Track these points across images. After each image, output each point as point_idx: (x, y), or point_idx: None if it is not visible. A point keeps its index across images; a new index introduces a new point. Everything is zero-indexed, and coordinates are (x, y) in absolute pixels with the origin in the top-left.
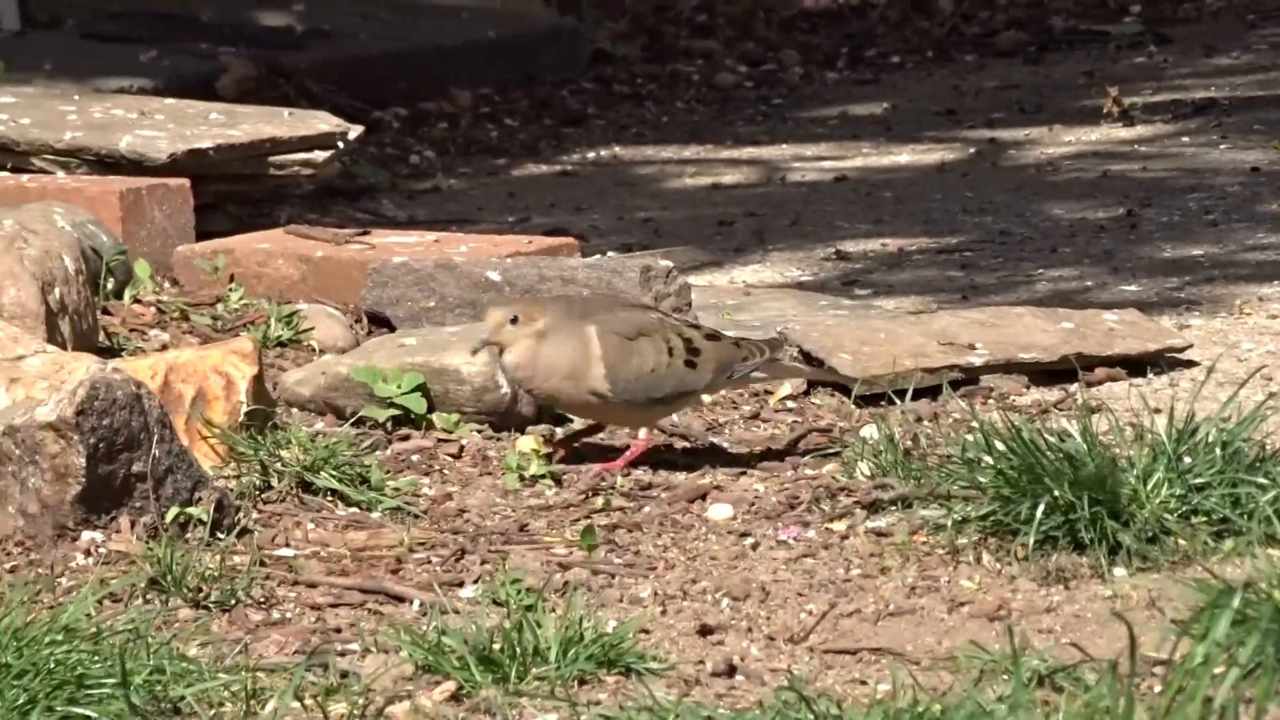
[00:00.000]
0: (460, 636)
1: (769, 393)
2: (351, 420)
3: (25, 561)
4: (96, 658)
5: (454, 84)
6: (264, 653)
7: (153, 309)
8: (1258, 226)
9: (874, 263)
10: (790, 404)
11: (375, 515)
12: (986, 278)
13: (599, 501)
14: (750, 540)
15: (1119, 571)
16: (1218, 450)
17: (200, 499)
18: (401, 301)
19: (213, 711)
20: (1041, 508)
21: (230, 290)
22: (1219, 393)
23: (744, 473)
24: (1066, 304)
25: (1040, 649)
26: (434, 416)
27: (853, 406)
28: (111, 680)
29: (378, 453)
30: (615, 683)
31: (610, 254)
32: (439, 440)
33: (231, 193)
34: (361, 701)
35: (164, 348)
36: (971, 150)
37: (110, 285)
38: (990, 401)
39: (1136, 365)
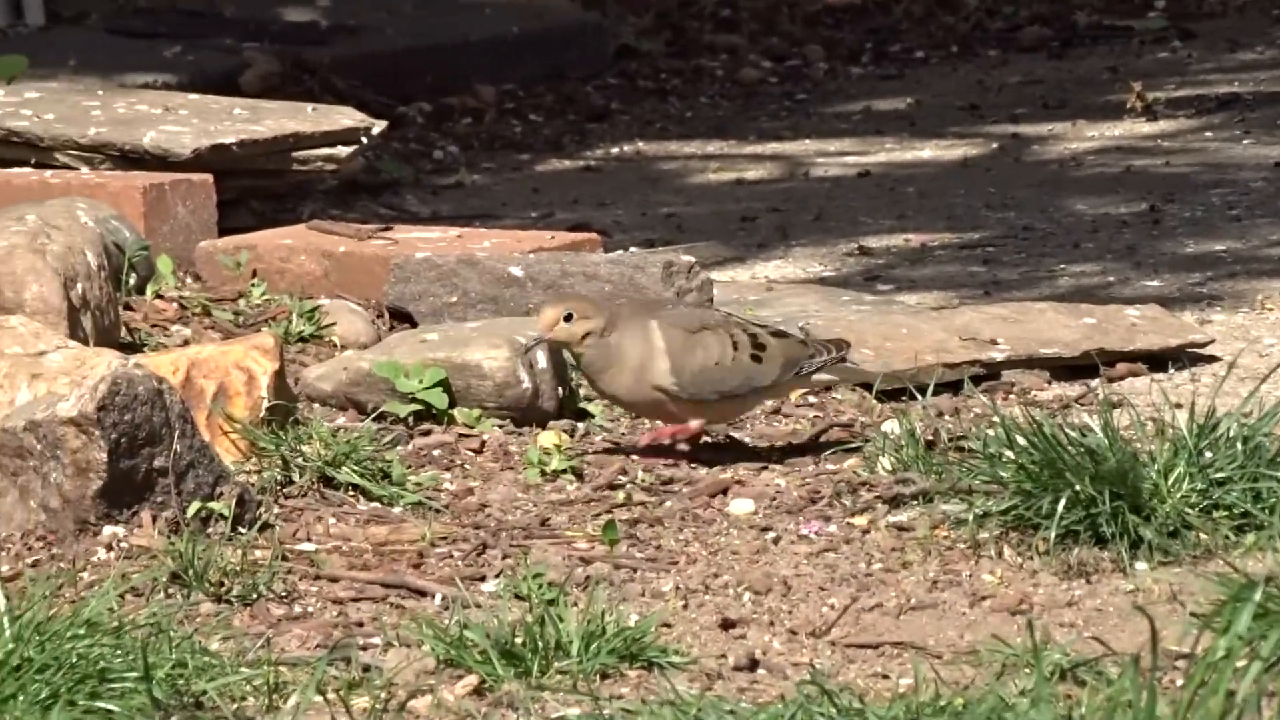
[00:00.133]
0: (482, 630)
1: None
2: (373, 415)
3: (47, 556)
4: (118, 652)
5: (478, 79)
6: (286, 647)
7: (175, 304)
8: None
9: (897, 258)
10: (811, 399)
11: (397, 510)
12: (1009, 273)
13: (620, 496)
14: (772, 535)
15: (1140, 566)
16: (1239, 445)
17: (222, 494)
18: (424, 297)
19: (235, 705)
20: (1063, 502)
21: (253, 286)
22: (1240, 388)
23: (765, 467)
24: (1089, 299)
25: (1062, 643)
26: (455, 412)
27: (874, 401)
28: (133, 674)
29: (399, 448)
30: (637, 677)
31: (633, 249)
32: (460, 435)
33: (255, 188)
34: (384, 695)
35: (186, 343)
36: (995, 145)
37: (133, 281)
38: (1012, 396)
39: (1158, 360)
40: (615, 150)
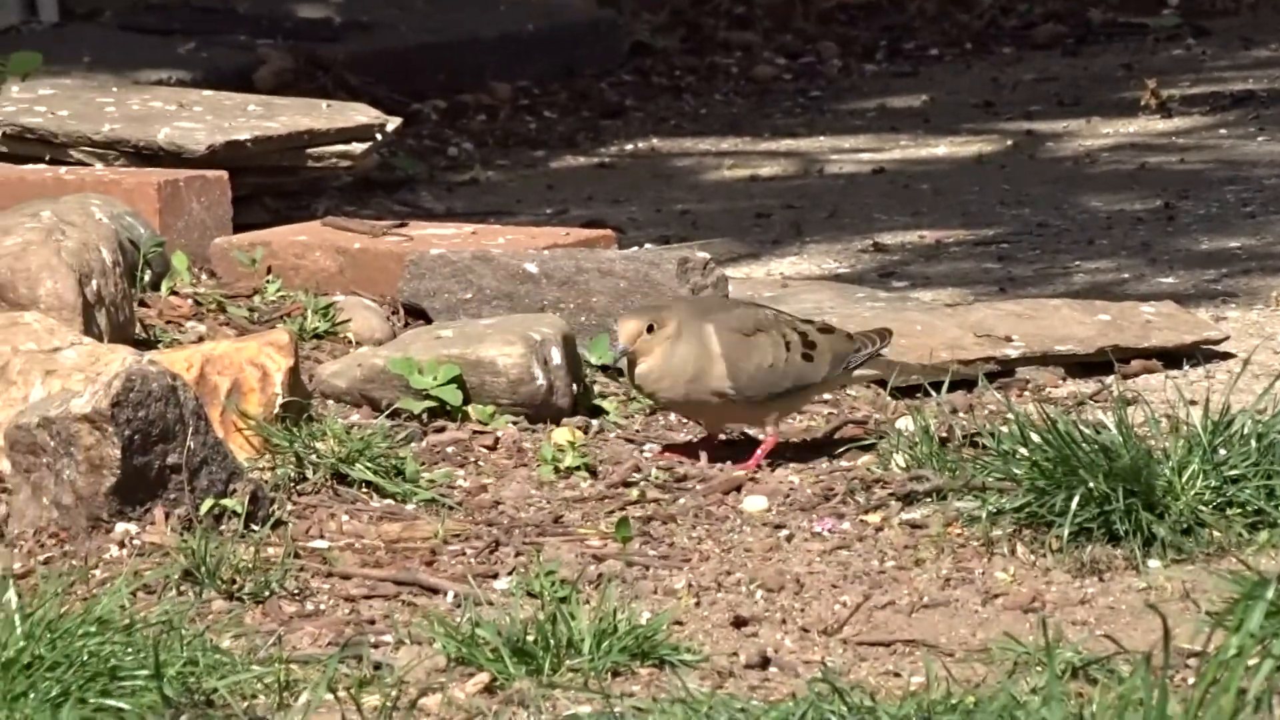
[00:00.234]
0: (494, 628)
1: None
2: (387, 412)
3: (59, 553)
4: (130, 649)
5: (492, 76)
6: (298, 644)
7: (189, 301)
8: None
9: (911, 255)
10: (825, 396)
11: (410, 507)
12: (1023, 270)
13: (634, 493)
14: (785, 532)
15: (1153, 563)
16: (1253, 442)
17: (235, 491)
18: (438, 293)
19: (246, 703)
20: (1076, 500)
21: (267, 282)
22: (1255, 385)
23: (779, 464)
24: (1103, 296)
25: (1074, 641)
26: (469, 408)
27: (888, 398)
28: (144, 672)
29: (413, 445)
30: (649, 674)
31: (648, 246)
32: (474, 432)
33: (269, 185)
34: (395, 693)
35: (200, 340)
36: (1009, 142)
37: (147, 277)
38: (1026, 393)
39: (1173, 357)
40: (630, 147)
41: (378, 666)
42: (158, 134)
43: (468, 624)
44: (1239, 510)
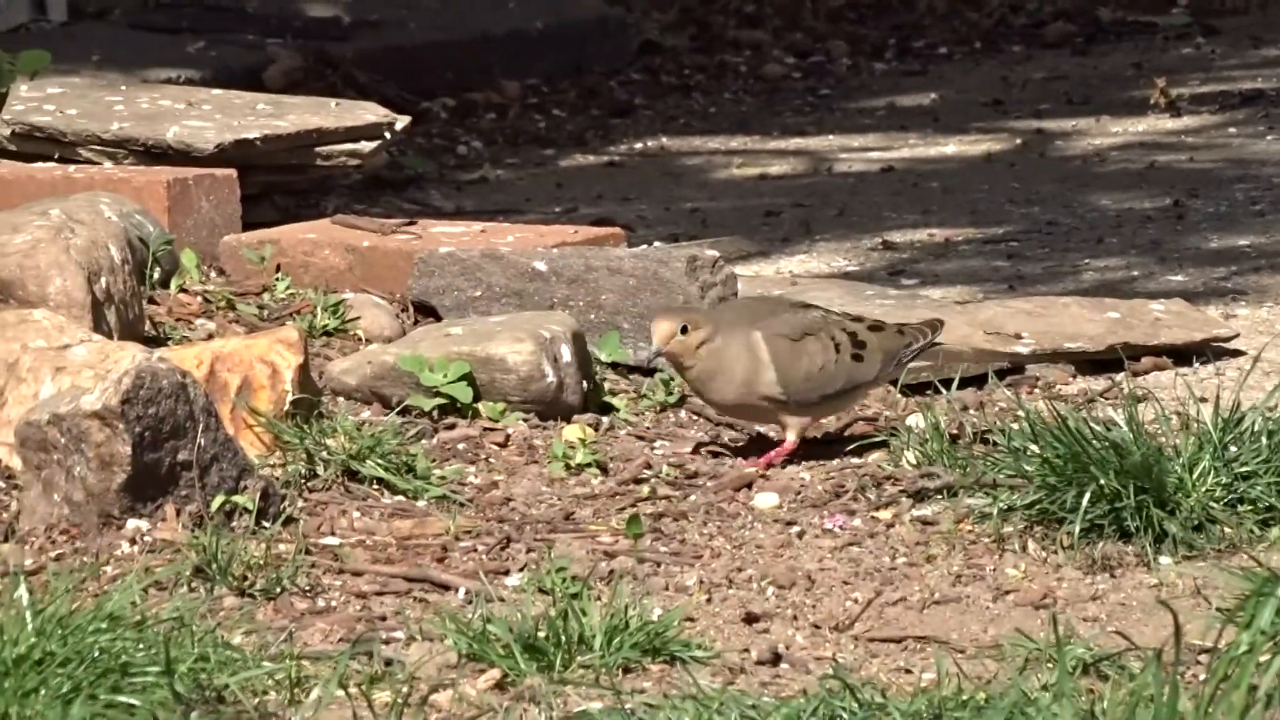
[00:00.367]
0: (505, 625)
1: None
2: (397, 409)
3: (70, 550)
4: (141, 646)
5: (502, 74)
6: (309, 641)
7: (199, 298)
8: None
9: (920, 253)
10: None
11: (421, 504)
12: (1033, 268)
13: (645, 490)
14: (796, 529)
15: (1164, 560)
16: (1264, 439)
17: (245, 487)
18: (448, 291)
19: (257, 700)
20: (1087, 496)
21: (277, 280)
22: (1265, 382)
23: (790, 461)
24: (1113, 294)
25: (1085, 637)
26: (480, 405)
27: (899, 395)
28: (155, 668)
29: (423, 441)
30: (660, 671)
31: (657, 244)
32: (485, 429)
33: (278, 183)
34: (406, 689)
35: (210, 337)
36: (1018, 141)
37: (157, 275)
38: (1036, 391)
39: (1182, 355)
40: (639, 145)
41: (389, 663)
42: (167, 132)
43: (479, 620)
44: (1250, 507)
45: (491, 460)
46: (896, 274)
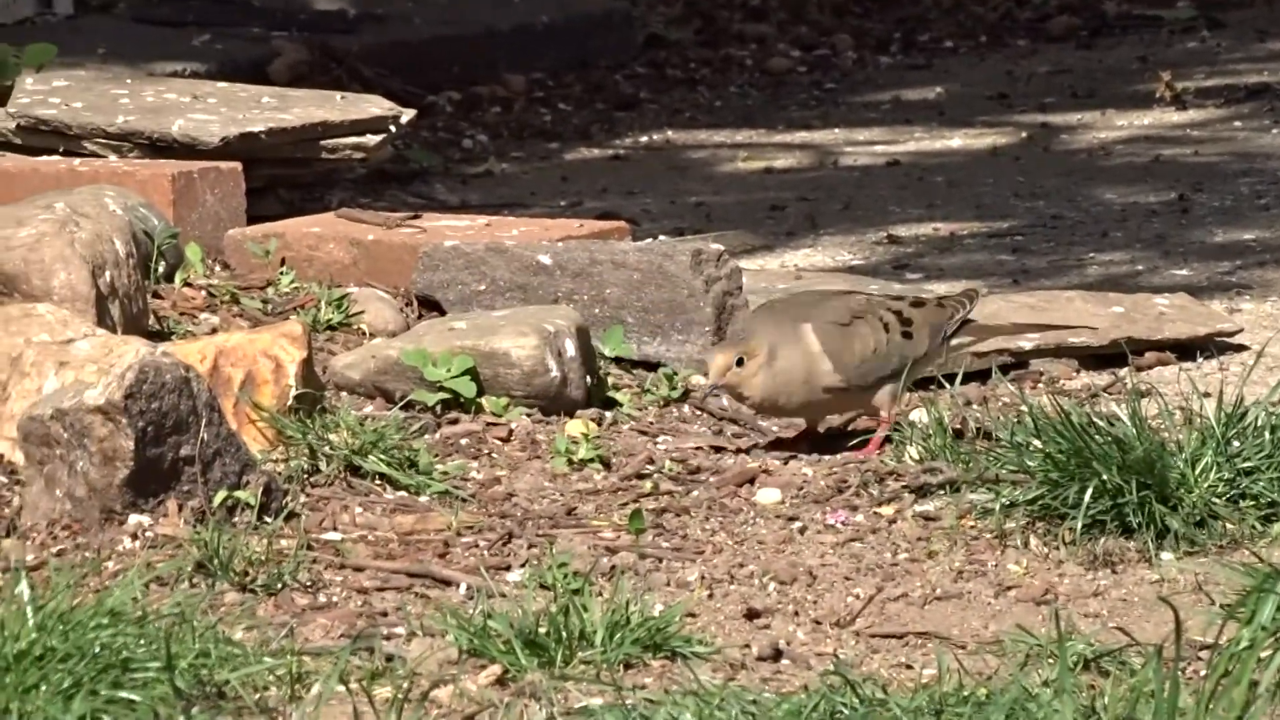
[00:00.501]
0: (506, 620)
1: None
2: (400, 404)
3: (72, 545)
4: (142, 641)
5: (507, 68)
6: (310, 636)
7: (203, 292)
8: None
9: (925, 247)
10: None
11: (423, 499)
12: (1037, 262)
13: (647, 485)
14: (798, 524)
15: (1166, 555)
16: (1266, 434)
17: (248, 482)
18: (452, 285)
19: (258, 695)
20: (1089, 492)
21: (281, 274)
22: (1269, 376)
23: (792, 457)
24: (1117, 288)
25: (1086, 633)
26: (483, 400)
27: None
28: (156, 664)
29: (426, 436)
30: (661, 666)
31: (661, 238)
32: (488, 424)
33: (283, 176)
34: (407, 685)
35: (214, 331)
36: (1023, 135)
37: (161, 268)
38: (1040, 386)
39: (1186, 349)
40: (644, 139)
41: (390, 658)
42: (172, 126)
43: (480, 616)
44: (1252, 502)
45: (494, 455)
46: (901, 268)
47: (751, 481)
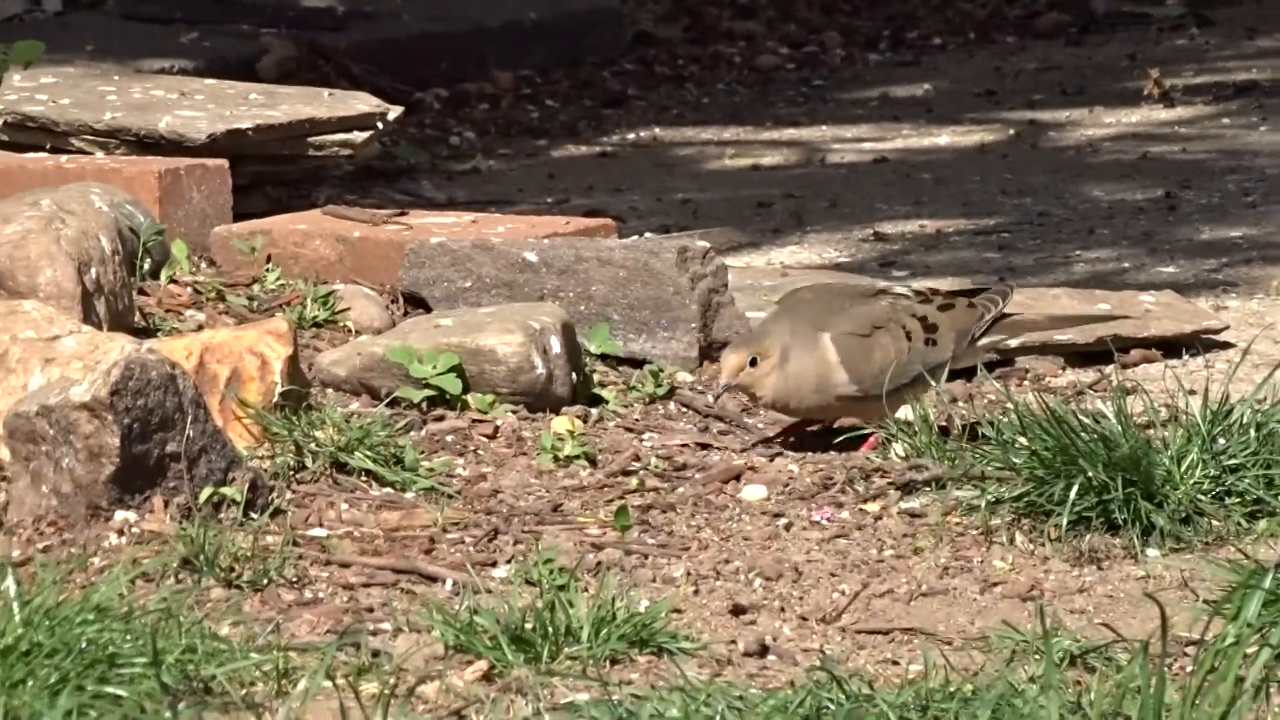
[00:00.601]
0: (492, 616)
1: None
2: (386, 401)
3: (58, 541)
4: (128, 637)
5: (495, 65)
6: (296, 632)
7: (189, 289)
8: None
9: (912, 244)
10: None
11: (409, 495)
12: (1024, 259)
13: (633, 482)
14: (784, 521)
15: (1152, 552)
16: (1252, 432)
17: (234, 479)
18: (438, 282)
19: (244, 691)
20: (1075, 489)
21: (267, 271)
22: (1254, 374)
23: (778, 453)
24: (1104, 285)
25: (1072, 629)
26: (469, 397)
27: None
28: (143, 659)
29: (412, 433)
30: (647, 662)
31: (648, 235)
32: (474, 421)
33: (270, 173)
34: (393, 681)
35: (200, 328)
36: (1011, 132)
37: (147, 265)
38: (1026, 383)
39: (1173, 347)
40: (631, 136)
41: (376, 654)
42: (159, 122)
43: (466, 612)
44: (1238, 499)
45: (480, 452)
46: (888, 265)
47: (737, 478)
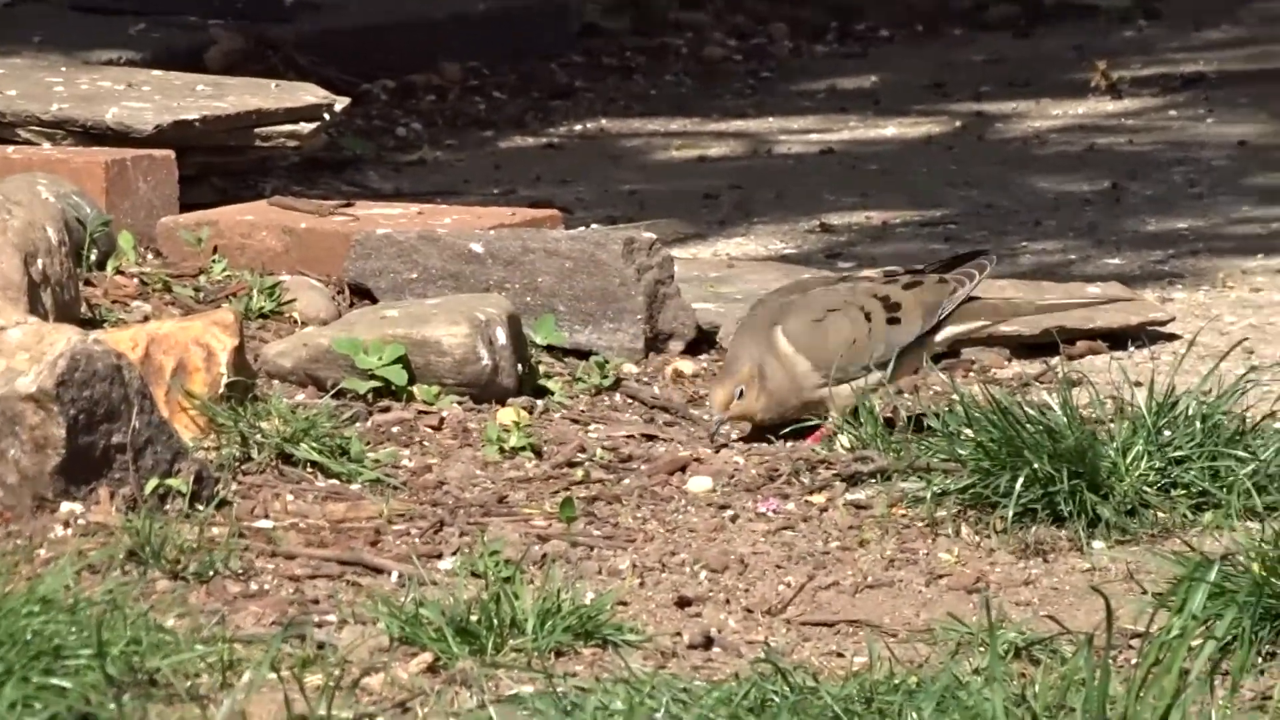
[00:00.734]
0: (438, 608)
1: None
2: (332, 392)
3: (3, 533)
4: (73, 628)
5: (443, 57)
6: (241, 624)
7: (135, 280)
8: (1242, 200)
9: (858, 235)
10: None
11: (355, 487)
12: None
13: (579, 474)
14: (729, 513)
15: (1097, 544)
16: (1197, 423)
17: (180, 470)
18: (384, 273)
19: (189, 683)
20: (1021, 480)
21: (213, 262)
22: (1200, 366)
23: (724, 445)
24: (1050, 277)
25: (1017, 621)
26: (415, 388)
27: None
28: (88, 651)
29: (358, 424)
30: (592, 654)
31: (594, 226)
32: (419, 412)
33: (217, 164)
34: (338, 673)
35: (146, 319)
36: (958, 124)
37: (93, 256)
38: (971, 374)
39: (1118, 338)
40: (578, 128)
41: (321, 646)
42: (106, 114)
43: (411, 604)
44: (1183, 491)
45: (425, 443)
46: (834, 256)
47: (683, 470)
